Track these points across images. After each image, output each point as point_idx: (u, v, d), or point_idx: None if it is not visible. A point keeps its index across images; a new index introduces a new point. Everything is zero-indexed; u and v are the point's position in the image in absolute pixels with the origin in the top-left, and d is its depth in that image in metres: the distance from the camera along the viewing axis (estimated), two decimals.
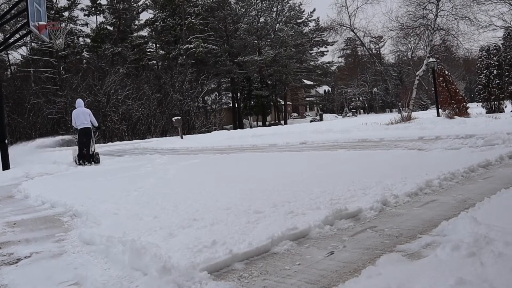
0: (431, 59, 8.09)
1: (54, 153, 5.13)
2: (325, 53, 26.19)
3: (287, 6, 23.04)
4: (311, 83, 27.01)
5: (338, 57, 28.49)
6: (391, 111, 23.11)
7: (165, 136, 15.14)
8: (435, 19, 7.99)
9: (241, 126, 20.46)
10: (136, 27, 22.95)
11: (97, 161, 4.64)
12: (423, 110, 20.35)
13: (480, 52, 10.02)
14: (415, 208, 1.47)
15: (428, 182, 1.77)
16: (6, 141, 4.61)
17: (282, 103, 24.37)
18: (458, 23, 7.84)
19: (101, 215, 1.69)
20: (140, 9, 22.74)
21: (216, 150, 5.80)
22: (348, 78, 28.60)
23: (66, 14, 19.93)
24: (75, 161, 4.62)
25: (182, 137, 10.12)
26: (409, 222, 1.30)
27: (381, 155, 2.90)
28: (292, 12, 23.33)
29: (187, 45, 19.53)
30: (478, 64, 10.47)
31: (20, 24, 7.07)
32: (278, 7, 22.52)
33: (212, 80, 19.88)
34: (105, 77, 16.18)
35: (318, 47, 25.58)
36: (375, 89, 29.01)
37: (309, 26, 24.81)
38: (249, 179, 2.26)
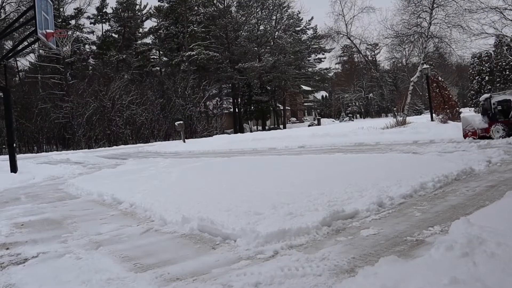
0: (425, 66, 8.25)
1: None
2: (322, 59, 26.80)
3: (286, 14, 23.75)
4: (309, 88, 27.52)
5: (335, 63, 29.14)
6: (386, 116, 23.14)
7: (168, 140, 15.32)
8: (429, 27, 8.22)
9: (241, 130, 20.59)
10: (140, 34, 23.64)
11: None
12: (418, 115, 20.35)
13: (472, 59, 10.37)
14: (409, 209, 1.51)
15: (423, 184, 1.82)
16: (14, 144, 4.72)
17: (281, 108, 24.64)
18: (451, 31, 8.06)
19: None
20: (144, 18, 23.48)
21: (217, 154, 5.87)
22: (345, 84, 29.13)
23: (72, 22, 20.55)
24: None
25: (184, 141, 10.26)
26: (404, 223, 1.34)
27: (377, 158, 2.94)
28: (291, 20, 24.05)
29: (189, 52, 20.02)
30: (470, 71, 10.83)
31: (28, 32, 7.29)
32: (278, 15, 23.23)
33: (213, 86, 20.25)
34: (110, 83, 16.54)
35: (316, 54, 26.15)
36: (371, 94, 29.46)
37: (307, 34, 25.46)
38: (249, 181, 2.29)
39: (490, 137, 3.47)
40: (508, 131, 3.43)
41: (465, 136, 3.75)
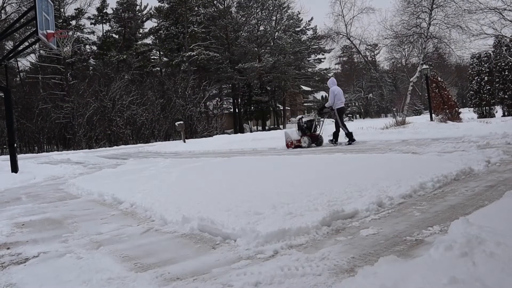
0: (424, 66, 8.30)
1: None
2: (322, 60, 26.88)
3: (286, 15, 23.87)
4: (309, 89, 27.61)
5: (335, 64, 29.26)
6: (386, 116, 23.24)
7: (168, 140, 15.46)
8: (428, 28, 8.29)
9: (241, 130, 20.67)
10: (140, 35, 23.78)
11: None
12: (417, 115, 20.47)
13: (472, 59, 10.28)
14: (409, 209, 1.52)
15: (422, 184, 1.81)
16: (15, 145, 4.73)
17: (281, 108, 24.72)
18: (450, 31, 8.18)
19: None
20: (144, 18, 23.61)
21: (218, 154, 5.89)
22: (344, 84, 29.20)
23: (73, 22, 20.73)
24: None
25: (184, 141, 10.36)
26: (403, 223, 1.35)
27: (376, 158, 2.93)
28: (291, 21, 24.13)
29: (189, 53, 20.15)
30: (470, 71, 10.68)
31: (29, 33, 7.41)
32: (277, 16, 23.33)
33: (213, 86, 20.38)
34: (110, 83, 16.77)
35: (315, 54, 26.22)
36: (370, 94, 29.57)
37: (307, 34, 25.59)
38: (249, 181, 2.29)
39: (301, 146, 5.05)
40: (311, 141, 5.04)
41: (287, 145, 5.27)
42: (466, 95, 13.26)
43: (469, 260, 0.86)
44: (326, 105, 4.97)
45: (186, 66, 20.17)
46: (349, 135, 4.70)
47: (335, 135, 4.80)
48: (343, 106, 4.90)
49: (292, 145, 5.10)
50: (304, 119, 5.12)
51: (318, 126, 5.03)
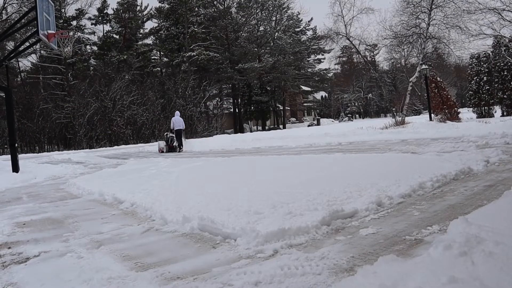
0: (423, 66, 8.32)
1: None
2: (322, 60, 27.04)
3: (285, 15, 23.95)
4: (309, 89, 27.62)
5: (335, 64, 29.44)
6: (385, 116, 23.52)
7: None
8: (427, 28, 8.31)
9: (241, 130, 20.68)
10: (141, 35, 23.81)
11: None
12: (416, 115, 20.86)
13: (471, 60, 10.36)
14: (408, 209, 1.52)
15: (421, 184, 1.82)
16: (16, 144, 4.74)
17: (281, 108, 24.80)
18: (449, 31, 8.17)
19: None
20: (145, 18, 23.65)
21: (217, 153, 5.93)
22: (344, 84, 29.36)
23: (74, 23, 20.73)
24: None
25: (185, 141, 10.56)
26: (403, 222, 1.35)
27: (376, 158, 2.95)
28: (291, 21, 24.20)
29: (190, 53, 20.18)
30: (469, 71, 10.77)
31: (30, 33, 7.30)
32: (277, 16, 23.41)
33: (213, 86, 20.40)
34: (111, 83, 16.67)
35: (315, 54, 26.33)
36: (370, 95, 29.76)
37: (307, 35, 25.71)
38: (249, 181, 2.30)
39: (163, 152, 7.56)
40: (169, 149, 7.73)
41: (159, 151, 7.80)
42: (465, 95, 13.33)
43: (468, 259, 0.86)
44: (171, 127, 7.82)
45: (186, 66, 20.18)
46: (179, 145, 7.62)
47: (178, 145, 7.66)
48: (180, 129, 7.72)
49: (160, 151, 7.69)
50: (169, 135, 7.82)
51: (173, 140, 7.71)
